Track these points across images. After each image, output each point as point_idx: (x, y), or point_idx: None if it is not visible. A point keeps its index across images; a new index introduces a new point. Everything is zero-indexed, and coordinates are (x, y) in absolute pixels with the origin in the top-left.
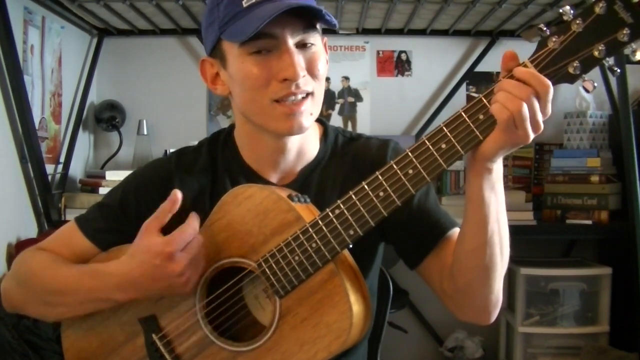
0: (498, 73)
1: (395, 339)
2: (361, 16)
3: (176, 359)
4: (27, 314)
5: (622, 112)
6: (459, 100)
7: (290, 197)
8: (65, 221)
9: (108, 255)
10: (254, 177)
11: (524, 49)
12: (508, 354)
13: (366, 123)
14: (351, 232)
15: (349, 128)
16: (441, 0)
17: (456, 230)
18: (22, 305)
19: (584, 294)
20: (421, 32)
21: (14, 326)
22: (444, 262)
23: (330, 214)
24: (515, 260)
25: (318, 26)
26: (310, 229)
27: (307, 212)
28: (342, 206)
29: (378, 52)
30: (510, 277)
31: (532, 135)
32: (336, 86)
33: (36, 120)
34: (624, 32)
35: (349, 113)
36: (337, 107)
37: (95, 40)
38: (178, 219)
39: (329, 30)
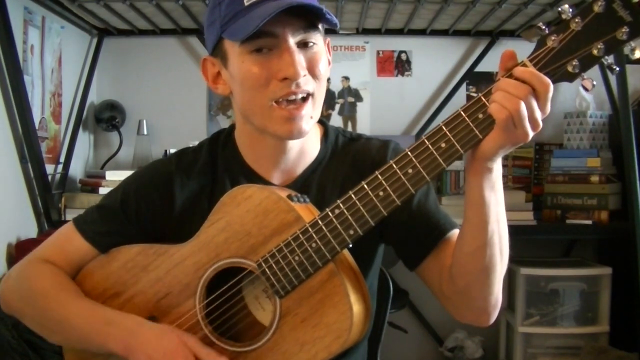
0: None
1: (395, 339)
2: (361, 16)
3: None
4: (22, 322)
5: (622, 112)
6: (459, 100)
7: (289, 197)
8: (65, 221)
9: (108, 257)
10: (254, 178)
11: (524, 48)
12: (508, 354)
13: (366, 123)
14: (351, 232)
15: (349, 128)
16: (441, 0)
17: (456, 232)
18: (19, 316)
19: (584, 294)
20: (421, 32)
21: (14, 326)
22: (444, 263)
23: (330, 213)
24: (515, 260)
25: (320, 26)
26: (310, 229)
27: (306, 212)
28: (342, 206)
29: (378, 52)
30: (510, 277)
31: (531, 134)
32: (336, 86)
33: (36, 120)
34: (623, 30)
35: (349, 113)
36: (337, 107)
37: (95, 40)
38: (178, 219)
39: (329, 30)
